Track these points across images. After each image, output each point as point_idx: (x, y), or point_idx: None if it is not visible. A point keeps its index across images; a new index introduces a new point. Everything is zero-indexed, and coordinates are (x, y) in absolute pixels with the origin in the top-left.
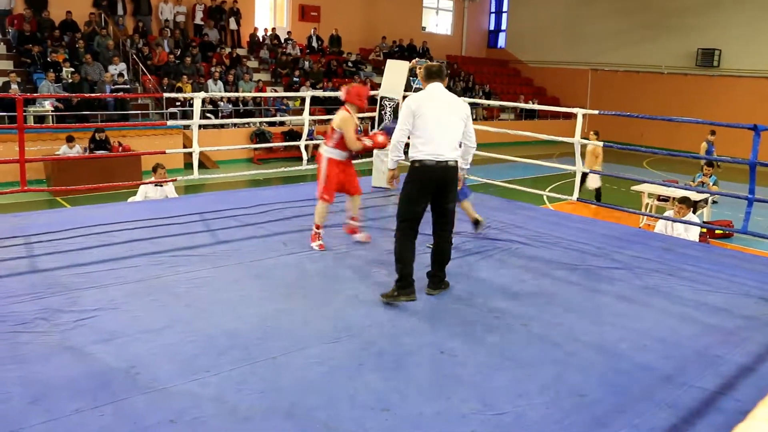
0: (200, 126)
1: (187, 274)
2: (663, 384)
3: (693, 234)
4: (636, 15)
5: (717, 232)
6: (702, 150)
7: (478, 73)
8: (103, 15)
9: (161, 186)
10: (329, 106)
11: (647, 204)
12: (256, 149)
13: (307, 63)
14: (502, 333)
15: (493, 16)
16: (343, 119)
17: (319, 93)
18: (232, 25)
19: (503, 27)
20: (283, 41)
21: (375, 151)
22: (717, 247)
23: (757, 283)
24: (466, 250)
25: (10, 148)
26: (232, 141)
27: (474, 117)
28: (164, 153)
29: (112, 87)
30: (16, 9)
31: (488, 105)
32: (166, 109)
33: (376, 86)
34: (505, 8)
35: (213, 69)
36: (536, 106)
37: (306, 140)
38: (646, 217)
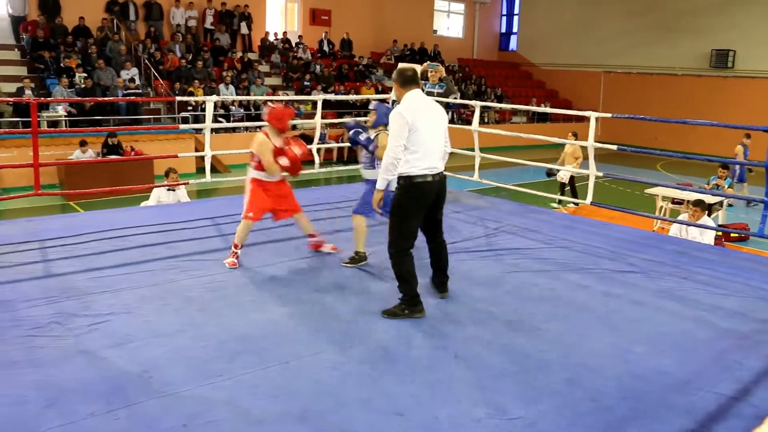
0: (212, 130)
1: (199, 278)
2: (679, 389)
3: (708, 237)
4: (649, 16)
5: (732, 235)
6: (738, 154)
7: (489, 76)
8: (115, 20)
9: (174, 190)
10: (341, 110)
11: (661, 207)
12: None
13: (318, 67)
14: (515, 337)
15: (504, 18)
16: (260, 144)
17: (331, 97)
18: (244, 30)
19: (515, 29)
20: (294, 45)
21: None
22: (732, 250)
23: None
24: (479, 255)
25: (24, 152)
26: (244, 145)
27: (486, 120)
28: (176, 157)
29: (125, 92)
30: (30, 15)
31: (500, 108)
32: (178, 113)
33: (388, 90)
34: (516, 11)
35: (224, 73)
36: (548, 110)
37: (318, 144)
38: (659, 220)
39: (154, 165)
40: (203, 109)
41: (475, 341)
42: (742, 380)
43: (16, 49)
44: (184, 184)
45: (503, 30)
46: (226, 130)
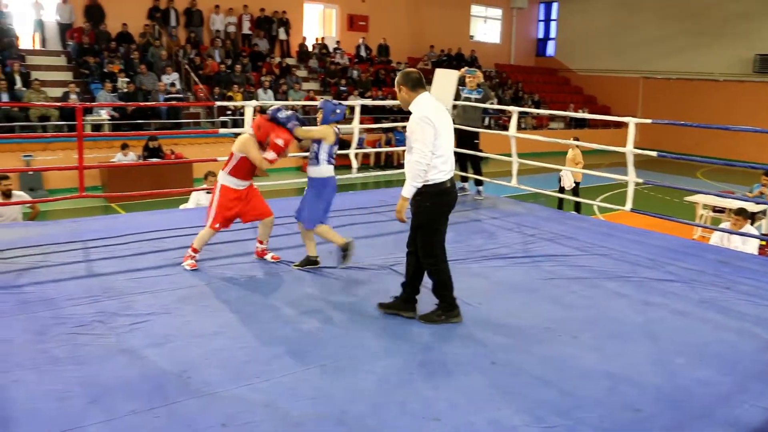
0: (251, 134)
1: (238, 280)
2: (722, 401)
3: (751, 247)
4: (689, 21)
5: None
6: None
7: (526, 81)
8: (157, 27)
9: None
10: (378, 115)
11: (702, 215)
12: (305, 157)
13: (355, 72)
14: (552, 344)
15: (542, 24)
16: (243, 142)
17: (368, 102)
18: (282, 35)
19: (552, 35)
20: (331, 51)
21: None
22: None
23: None
24: (515, 261)
25: (69, 155)
26: None
27: (523, 126)
28: (216, 161)
29: (165, 96)
30: (76, 23)
31: (537, 114)
32: (218, 117)
33: None
34: (554, 16)
35: (263, 78)
36: (586, 115)
37: (356, 149)
38: (700, 228)
39: (193, 168)
40: (242, 114)
41: (512, 348)
42: None
43: (62, 55)
44: None
45: (541, 35)
46: None
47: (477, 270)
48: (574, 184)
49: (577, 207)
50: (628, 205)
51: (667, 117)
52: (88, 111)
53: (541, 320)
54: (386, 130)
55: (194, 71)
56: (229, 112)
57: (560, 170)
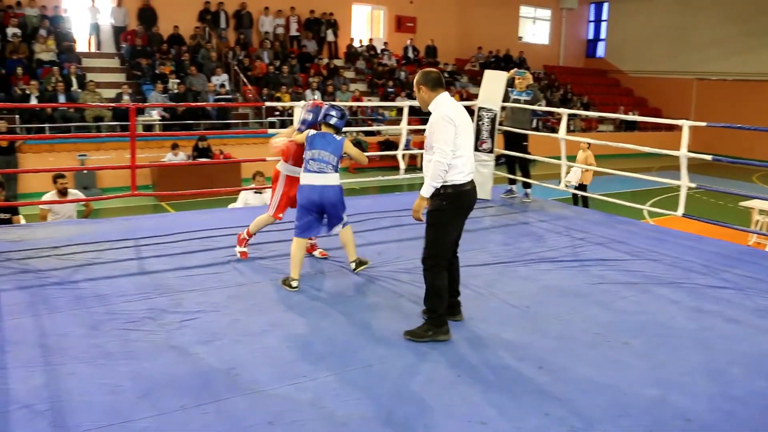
0: None
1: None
2: None
3: None
4: (746, 21)
5: None
6: None
7: (576, 83)
8: (207, 29)
9: (260, 193)
10: (425, 116)
11: (757, 221)
12: (350, 157)
13: (402, 73)
14: (602, 350)
15: (592, 24)
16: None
17: (416, 103)
18: (330, 37)
19: (602, 36)
20: (379, 52)
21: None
22: None
23: None
24: (564, 265)
25: (121, 155)
26: None
27: (571, 128)
28: (264, 161)
29: (215, 97)
30: (129, 25)
31: (586, 116)
32: (266, 118)
33: (472, 97)
34: (604, 17)
35: (311, 79)
36: (637, 117)
37: (403, 150)
38: (756, 235)
39: (241, 168)
40: (290, 114)
41: (560, 352)
42: None
43: (116, 58)
44: (270, 188)
45: (591, 36)
46: None
47: (525, 273)
48: (578, 183)
49: (578, 201)
50: (680, 210)
51: (720, 119)
52: (140, 111)
53: (589, 325)
54: None
55: (243, 72)
56: (277, 113)
57: (611, 173)
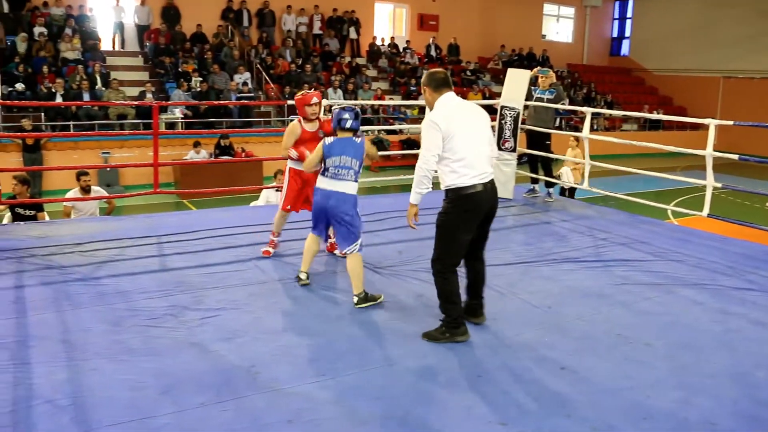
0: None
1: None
2: None
3: None
4: None
5: None
6: None
7: (599, 82)
8: (230, 27)
9: (282, 191)
10: None
11: None
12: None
13: (425, 72)
14: (624, 352)
15: (616, 22)
16: (288, 131)
17: None
18: (352, 35)
19: (627, 34)
20: (401, 50)
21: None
22: None
23: None
24: (586, 265)
25: (144, 152)
26: None
27: (595, 127)
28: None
29: (237, 95)
30: (153, 24)
31: (610, 115)
32: (288, 116)
33: (495, 95)
34: (629, 14)
35: (333, 78)
36: (662, 116)
37: None
38: None
39: (263, 166)
40: None
41: (583, 353)
42: None
43: (140, 56)
44: None
45: (615, 34)
46: None
47: (547, 273)
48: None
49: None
50: (705, 210)
51: (747, 118)
52: (163, 110)
53: (612, 326)
54: None
55: (266, 71)
56: None
57: (634, 173)
